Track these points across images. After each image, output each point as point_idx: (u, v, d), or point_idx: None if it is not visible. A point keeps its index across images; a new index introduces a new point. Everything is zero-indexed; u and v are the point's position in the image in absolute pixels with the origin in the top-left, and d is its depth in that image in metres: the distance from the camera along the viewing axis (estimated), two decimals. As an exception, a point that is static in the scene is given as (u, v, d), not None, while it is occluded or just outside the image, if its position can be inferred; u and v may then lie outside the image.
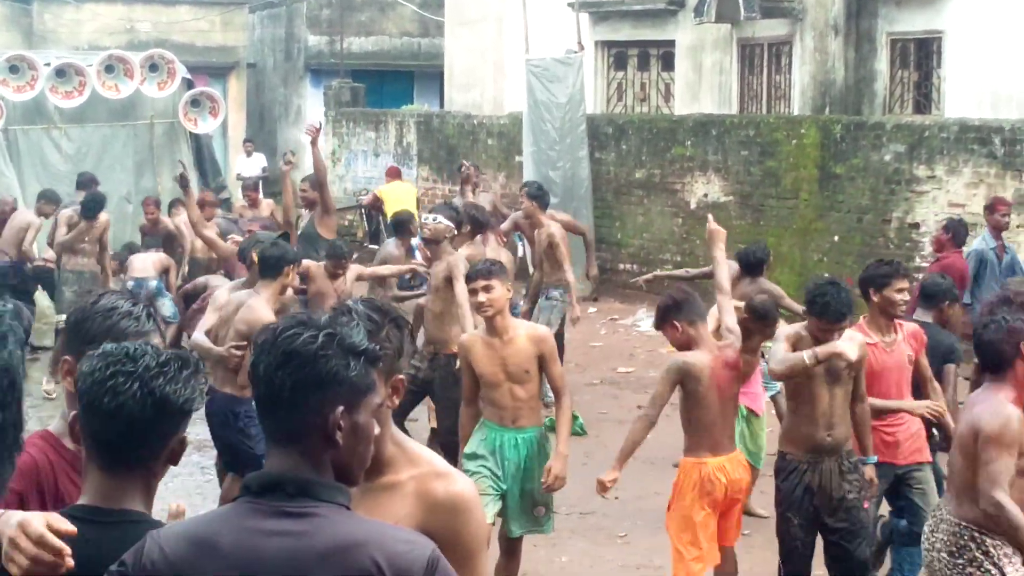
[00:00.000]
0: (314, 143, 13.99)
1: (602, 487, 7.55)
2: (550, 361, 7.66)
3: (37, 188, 17.38)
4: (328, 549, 2.75)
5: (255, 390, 2.85)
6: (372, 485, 3.38)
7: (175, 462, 3.17)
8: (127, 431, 3.03)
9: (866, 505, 7.53)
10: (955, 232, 12.36)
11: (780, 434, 7.63)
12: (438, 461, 3.56)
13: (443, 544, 3.26)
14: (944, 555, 6.07)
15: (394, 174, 22.29)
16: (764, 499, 9.46)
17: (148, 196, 17.15)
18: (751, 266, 11.37)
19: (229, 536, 2.80)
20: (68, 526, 2.90)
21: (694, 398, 7.43)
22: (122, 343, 3.18)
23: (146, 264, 14.92)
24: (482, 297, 7.54)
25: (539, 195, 13.55)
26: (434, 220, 10.55)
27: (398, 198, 20.58)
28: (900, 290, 7.72)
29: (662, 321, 7.62)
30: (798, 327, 7.49)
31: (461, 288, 10.06)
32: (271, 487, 2.81)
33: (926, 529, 6.28)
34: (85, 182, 16.38)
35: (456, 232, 11.11)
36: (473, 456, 7.70)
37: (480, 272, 7.66)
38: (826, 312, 7.14)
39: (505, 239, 13.37)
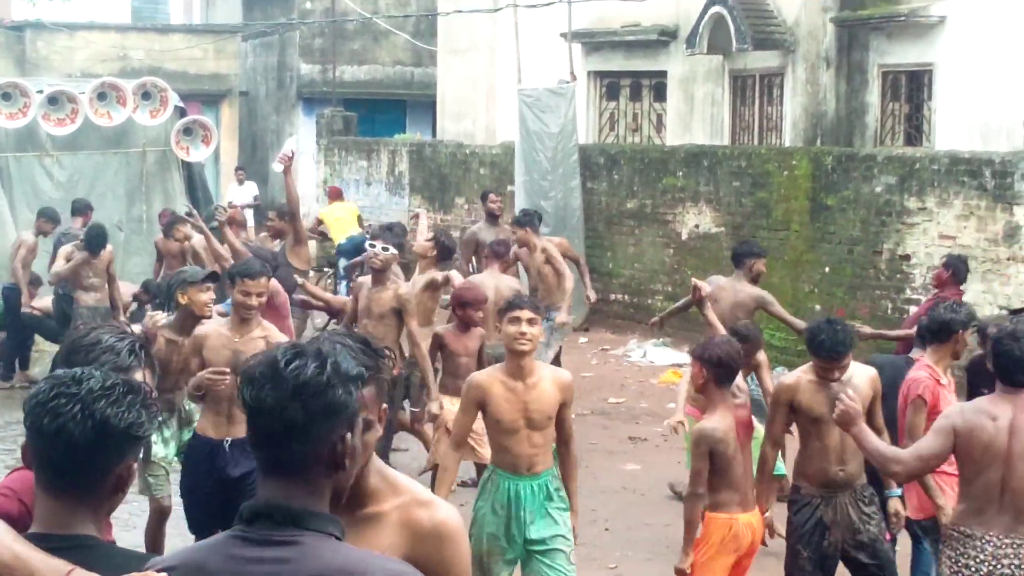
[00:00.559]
0: (287, 171, 13.85)
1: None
2: (567, 407, 7.23)
3: (28, 215, 17.36)
4: None
5: (256, 423, 2.83)
6: (356, 516, 3.38)
7: (122, 490, 3.13)
8: (69, 454, 3.00)
9: (888, 537, 7.56)
10: (956, 269, 12.30)
11: (794, 468, 7.63)
12: (420, 490, 3.56)
13: (431, 573, 3.27)
14: None
15: (335, 195, 22.54)
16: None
17: (164, 208, 17.16)
18: (735, 256, 11.83)
19: (216, 563, 2.81)
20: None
21: (724, 460, 7.27)
22: (72, 369, 3.17)
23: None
24: (525, 329, 6.98)
25: (527, 220, 13.70)
26: (383, 250, 10.44)
27: (340, 219, 21.06)
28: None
29: (700, 360, 7.42)
30: (794, 378, 7.49)
31: (415, 327, 10.44)
32: (261, 516, 2.81)
33: (988, 565, 6.29)
34: (81, 208, 16.32)
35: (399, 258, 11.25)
36: (487, 523, 7.17)
37: (527, 303, 7.18)
38: (821, 351, 7.22)
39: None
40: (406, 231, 13.17)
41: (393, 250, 10.60)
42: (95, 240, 14.11)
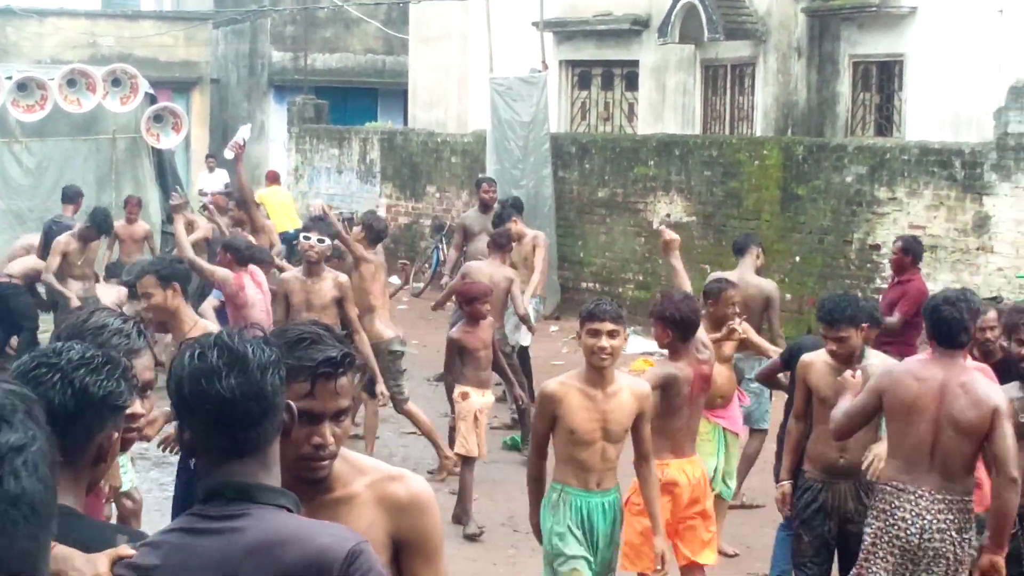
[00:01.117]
0: (238, 160, 13.74)
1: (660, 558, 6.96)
2: (646, 420, 6.78)
3: (-1, 203, 17.30)
4: (254, 545, 2.81)
5: (207, 409, 2.88)
6: (326, 500, 3.39)
7: (104, 460, 3.17)
8: (49, 422, 3.00)
9: None
10: (913, 252, 12.31)
11: (805, 450, 7.60)
12: (385, 466, 3.57)
13: (413, 544, 3.37)
14: (954, 534, 6.45)
15: (273, 178, 23.25)
16: (734, 538, 9.47)
17: (130, 196, 17.06)
18: (736, 248, 11.63)
19: (175, 539, 2.91)
20: (128, 551, 2.98)
21: (670, 405, 7.30)
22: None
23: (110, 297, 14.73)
24: (605, 343, 6.54)
25: (521, 206, 13.95)
26: (319, 242, 10.30)
27: (283, 203, 21.80)
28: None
29: (661, 319, 7.39)
30: (813, 356, 7.56)
31: (355, 314, 10.34)
32: (216, 494, 2.90)
33: (921, 519, 6.50)
34: (72, 195, 16.20)
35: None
36: (568, 544, 6.69)
37: (610, 314, 6.62)
38: (821, 313, 7.42)
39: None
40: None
41: (328, 240, 10.53)
42: (104, 223, 14.10)
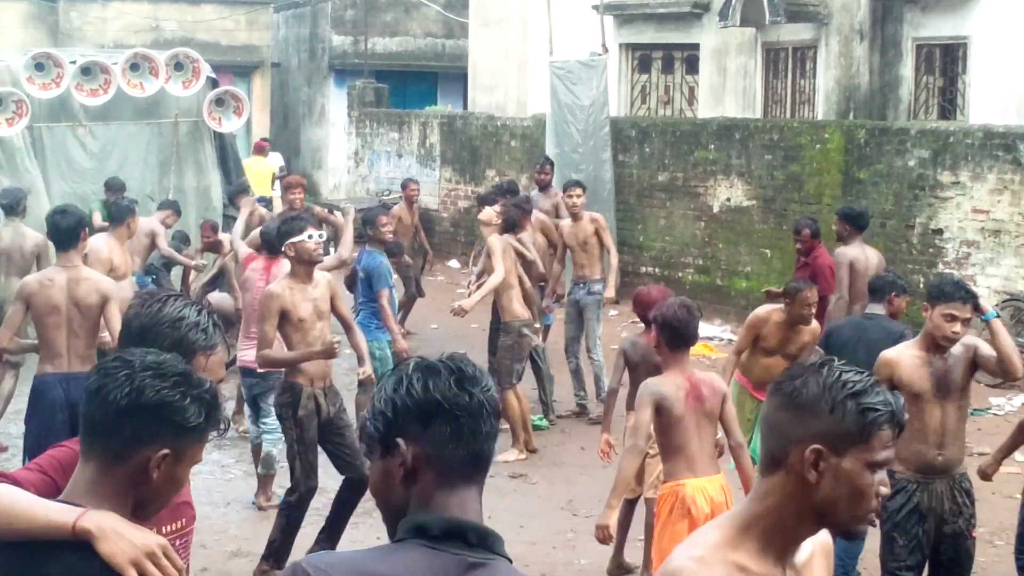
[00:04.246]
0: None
1: (603, 532, 7.09)
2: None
3: (62, 186, 17.40)
4: None
5: (458, 416, 2.73)
6: None
7: (148, 483, 3.01)
8: (101, 412, 2.99)
9: (973, 534, 7.13)
10: (815, 231, 12.34)
11: None
12: None
13: None
14: None
15: (259, 150, 24.28)
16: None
17: (206, 221, 17.08)
18: (860, 225, 11.79)
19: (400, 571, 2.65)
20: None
21: (669, 420, 7.07)
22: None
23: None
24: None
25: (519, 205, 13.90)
26: (320, 238, 9.22)
27: (258, 174, 22.31)
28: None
29: (653, 320, 7.37)
30: (896, 352, 7.13)
31: (347, 311, 9.68)
32: (455, 534, 2.68)
33: None
34: (116, 187, 16.46)
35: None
36: None
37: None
38: (944, 292, 7.01)
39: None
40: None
41: (324, 233, 9.92)
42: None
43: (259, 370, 9.89)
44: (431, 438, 2.69)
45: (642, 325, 9.06)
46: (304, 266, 8.90)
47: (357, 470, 8.82)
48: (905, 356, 7.02)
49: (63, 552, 2.92)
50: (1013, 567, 7.17)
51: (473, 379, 2.72)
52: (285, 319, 8.82)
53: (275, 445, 10.26)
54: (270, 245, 10.42)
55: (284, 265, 9.97)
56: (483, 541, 2.68)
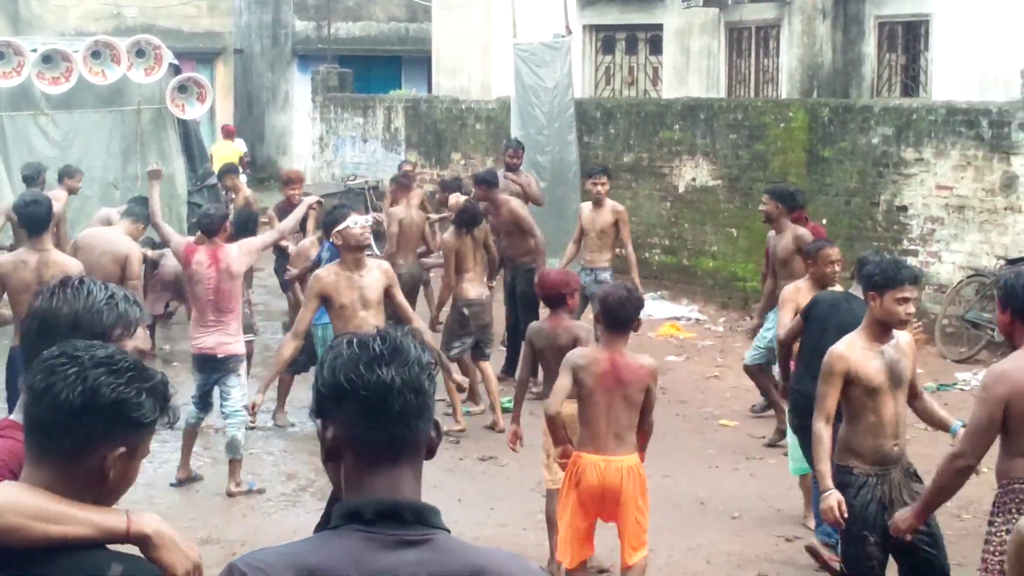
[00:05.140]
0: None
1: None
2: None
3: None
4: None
5: (365, 396, 2.69)
6: None
7: (105, 483, 2.93)
8: (53, 415, 2.87)
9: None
10: (785, 198, 12.02)
11: (839, 446, 6.92)
12: None
13: None
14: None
15: (227, 134, 25.62)
16: (762, 499, 9.45)
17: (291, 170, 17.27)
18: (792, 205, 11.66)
19: (340, 561, 2.64)
20: None
21: (583, 390, 7.33)
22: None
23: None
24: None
25: (487, 180, 13.82)
26: (367, 222, 9.26)
27: (224, 156, 22.90)
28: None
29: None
30: (845, 344, 6.97)
31: (403, 299, 9.51)
32: (389, 515, 2.67)
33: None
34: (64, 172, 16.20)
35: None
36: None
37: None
38: (887, 278, 6.93)
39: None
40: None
41: (371, 218, 9.91)
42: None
43: (219, 355, 10.15)
44: (345, 419, 2.69)
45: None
46: (352, 253, 8.95)
47: None
48: (856, 350, 6.83)
49: (91, 556, 2.86)
50: (981, 540, 7.21)
51: (384, 357, 2.67)
52: (328, 304, 8.87)
53: (239, 429, 10.25)
54: (206, 229, 10.55)
55: (230, 250, 10.29)
56: (419, 518, 2.68)
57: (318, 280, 9.16)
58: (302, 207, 11.35)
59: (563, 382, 7.38)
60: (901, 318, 6.74)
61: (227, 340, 10.28)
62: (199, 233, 11.05)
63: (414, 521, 2.67)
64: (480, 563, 2.69)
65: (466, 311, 12.13)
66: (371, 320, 8.78)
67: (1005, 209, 14.76)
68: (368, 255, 9.40)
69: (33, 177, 15.07)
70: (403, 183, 15.82)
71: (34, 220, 9.74)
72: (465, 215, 12.38)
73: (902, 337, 6.98)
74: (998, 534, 6.16)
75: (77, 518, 2.84)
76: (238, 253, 10.34)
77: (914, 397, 7.11)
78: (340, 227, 8.92)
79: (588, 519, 7.44)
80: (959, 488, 6.37)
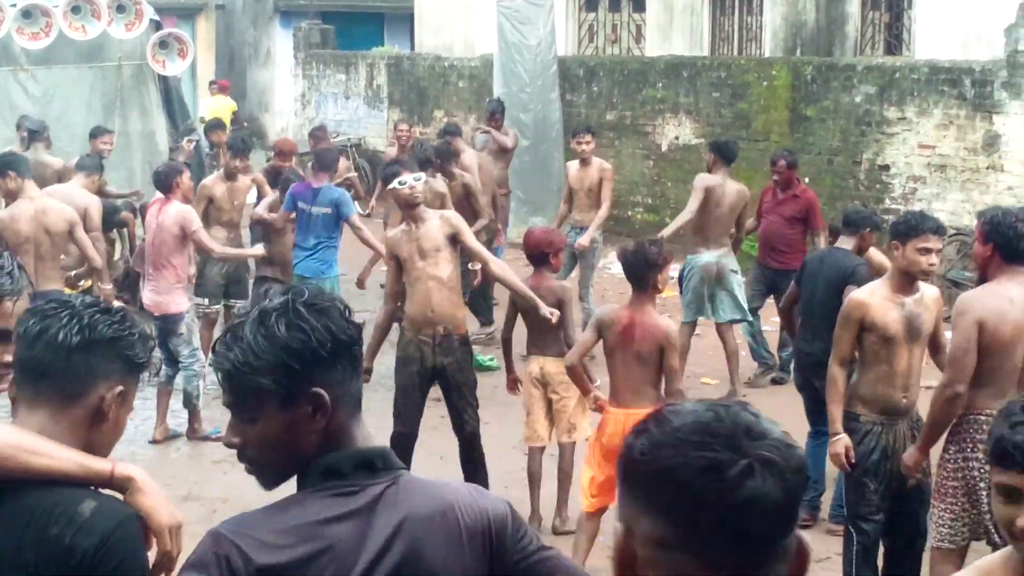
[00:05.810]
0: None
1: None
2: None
3: (4, 131, 17.20)
4: (428, 513, 2.74)
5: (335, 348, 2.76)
6: None
7: (105, 419, 2.99)
8: (49, 354, 2.95)
9: (931, 471, 7.05)
10: (791, 162, 12.42)
11: (848, 392, 7.04)
12: None
13: None
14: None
15: (221, 89, 26.37)
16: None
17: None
18: (725, 155, 12.07)
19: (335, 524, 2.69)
20: None
21: (605, 349, 7.66)
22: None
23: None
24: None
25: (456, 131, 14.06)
26: (416, 180, 8.92)
27: (216, 110, 23.74)
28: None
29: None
30: (867, 292, 7.07)
31: (478, 244, 9.23)
32: (366, 465, 2.74)
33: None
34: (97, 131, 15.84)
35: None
36: None
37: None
38: (910, 227, 6.96)
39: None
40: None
41: (423, 175, 9.46)
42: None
43: (155, 313, 10.51)
44: (337, 378, 2.70)
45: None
46: (405, 210, 8.92)
47: (462, 429, 8.86)
48: (876, 298, 6.91)
49: (86, 496, 2.88)
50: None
51: (346, 310, 2.75)
52: (397, 260, 8.92)
53: (189, 383, 10.50)
54: (157, 184, 10.87)
55: (172, 208, 10.58)
56: (387, 463, 2.75)
57: (388, 240, 9.33)
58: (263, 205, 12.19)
59: (586, 337, 7.84)
60: (923, 268, 6.78)
61: (159, 299, 10.58)
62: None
63: (383, 467, 2.74)
64: (449, 499, 2.78)
65: None
66: (429, 270, 8.75)
67: (987, 168, 14.77)
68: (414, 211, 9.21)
69: (39, 131, 15.05)
70: (318, 136, 16.89)
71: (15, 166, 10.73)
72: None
73: (928, 292, 7.02)
74: (953, 460, 6.52)
75: (61, 454, 2.86)
76: (175, 213, 10.57)
77: (937, 351, 7.17)
78: (390, 187, 8.88)
79: (612, 469, 7.48)
80: (954, 416, 6.54)
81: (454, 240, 8.84)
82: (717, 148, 12.26)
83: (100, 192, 13.13)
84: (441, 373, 8.81)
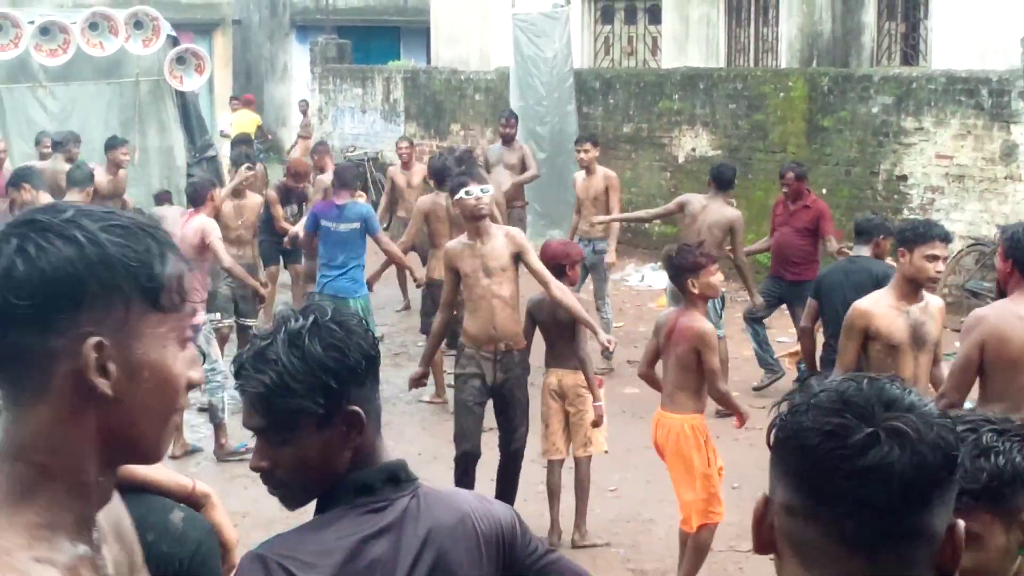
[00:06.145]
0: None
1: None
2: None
3: (23, 147, 17.27)
4: (449, 524, 2.82)
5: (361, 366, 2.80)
6: None
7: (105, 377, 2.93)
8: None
9: None
10: (799, 174, 12.49)
11: None
12: None
13: None
14: None
15: (246, 103, 26.52)
16: (732, 468, 9.45)
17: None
18: (718, 181, 12.07)
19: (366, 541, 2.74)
20: None
21: (661, 352, 7.76)
22: None
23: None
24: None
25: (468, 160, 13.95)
26: (483, 192, 8.60)
27: (241, 124, 23.99)
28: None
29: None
30: (871, 301, 7.11)
31: (541, 265, 8.80)
32: (391, 480, 2.80)
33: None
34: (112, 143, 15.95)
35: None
36: None
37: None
38: (918, 234, 7.00)
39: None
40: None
41: (490, 188, 9.08)
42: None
43: None
44: (367, 394, 2.73)
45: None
46: (470, 222, 8.64)
47: (509, 445, 8.88)
48: (880, 306, 6.93)
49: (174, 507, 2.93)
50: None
51: (366, 326, 2.79)
52: (455, 273, 8.73)
53: (214, 394, 10.54)
54: (190, 197, 10.99)
55: (196, 220, 10.67)
56: (407, 475, 2.81)
57: (446, 252, 8.94)
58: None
59: (649, 343, 7.93)
60: (930, 275, 6.81)
61: None
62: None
63: (405, 479, 2.80)
64: (464, 508, 2.85)
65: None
66: (494, 288, 8.60)
67: (1005, 178, 14.74)
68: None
69: (63, 143, 15.13)
70: (321, 151, 16.74)
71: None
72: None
73: (933, 301, 7.06)
74: None
75: (158, 468, 2.89)
76: (197, 224, 10.64)
77: (933, 363, 7.18)
78: (456, 197, 8.65)
79: (672, 468, 7.74)
80: None
81: (517, 258, 8.67)
82: (712, 171, 12.45)
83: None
84: (499, 389, 8.74)
